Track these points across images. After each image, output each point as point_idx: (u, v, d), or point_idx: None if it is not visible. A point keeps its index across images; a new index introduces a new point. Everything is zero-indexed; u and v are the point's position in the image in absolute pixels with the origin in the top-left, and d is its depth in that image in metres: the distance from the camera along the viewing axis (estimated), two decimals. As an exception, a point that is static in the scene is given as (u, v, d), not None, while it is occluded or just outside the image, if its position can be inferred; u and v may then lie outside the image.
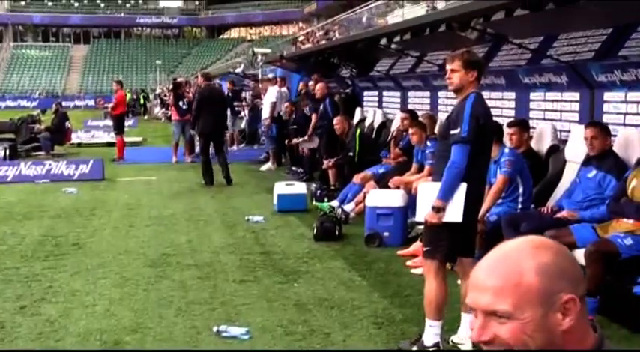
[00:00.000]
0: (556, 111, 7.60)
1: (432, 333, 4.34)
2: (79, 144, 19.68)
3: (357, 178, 8.89)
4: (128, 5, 77.69)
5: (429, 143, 7.70)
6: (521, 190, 6.13)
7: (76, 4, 75.55)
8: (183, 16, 77.53)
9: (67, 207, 9.93)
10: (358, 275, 6.14)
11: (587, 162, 5.75)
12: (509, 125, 6.93)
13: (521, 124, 7.04)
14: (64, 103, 22.72)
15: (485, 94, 9.18)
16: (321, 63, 14.68)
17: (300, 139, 12.47)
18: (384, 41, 11.07)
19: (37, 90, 62.00)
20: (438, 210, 4.24)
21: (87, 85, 65.92)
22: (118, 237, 7.91)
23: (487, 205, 5.74)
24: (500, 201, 6.12)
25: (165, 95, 34.57)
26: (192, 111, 12.66)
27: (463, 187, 4.23)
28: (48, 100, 43.52)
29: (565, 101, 7.45)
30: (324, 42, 21.52)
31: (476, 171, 4.28)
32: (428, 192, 4.44)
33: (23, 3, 74.94)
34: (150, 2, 78.73)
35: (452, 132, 4.29)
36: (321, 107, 11.80)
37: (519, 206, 6.12)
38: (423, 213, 4.42)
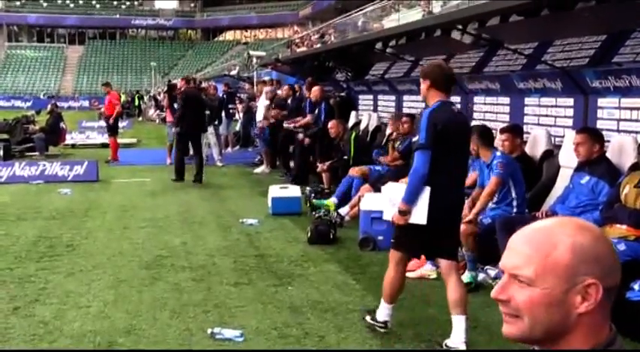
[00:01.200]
0: (550, 116, 7.65)
1: (384, 312, 4.78)
2: (73, 146, 19.63)
3: (352, 171, 9.01)
4: (124, 6, 77.51)
5: None
6: (514, 194, 6.16)
7: (72, 5, 75.34)
8: (178, 18, 77.42)
9: (62, 208, 9.91)
10: (352, 279, 6.15)
11: (580, 168, 5.78)
12: (502, 131, 6.96)
13: (514, 130, 7.06)
14: (58, 104, 22.61)
15: (480, 99, 9.31)
16: (316, 66, 14.71)
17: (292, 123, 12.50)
18: (379, 45, 11.11)
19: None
20: (404, 212, 4.44)
21: (81, 85, 65.75)
22: (112, 239, 7.90)
23: (479, 207, 5.88)
24: (493, 205, 6.15)
25: (159, 96, 34.52)
26: (177, 112, 13.10)
27: (427, 191, 4.39)
28: (42, 101, 43.46)
29: (559, 107, 7.50)
30: (319, 45, 21.54)
31: (443, 177, 4.41)
32: (394, 192, 4.64)
33: (18, 3, 74.64)
34: (145, 3, 78.63)
35: (413, 139, 4.49)
36: (316, 110, 11.82)
37: (514, 210, 6.16)
38: (389, 212, 4.63)
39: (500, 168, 6.01)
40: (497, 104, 8.87)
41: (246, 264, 6.70)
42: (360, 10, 22.99)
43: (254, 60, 20.34)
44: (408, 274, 6.13)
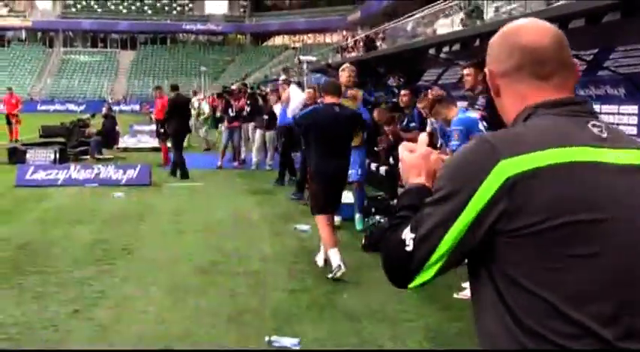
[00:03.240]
0: (612, 124, 7.44)
1: (334, 257, 6.31)
2: (125, 149, 19.93)
3: None
4: (174, 12, 78.79)
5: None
6: None
7: (124, 11, 76.97)
8: (228, 23, 78.29)
9: (116, 211, 10.06)
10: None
11: None
12: None
13: None
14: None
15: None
16: (367, 72, 14.63)
17: None
18: (432, 51, 11.00)
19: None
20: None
21: (133, 89, 67.00)
22: (166, 243, 7.97)
23: None
24: None
25: (214, 101, 34.72)
26: (164, 115, 14.85)
27: None
28: (95, 104, 44.41)
29: (622, 114, 7.29)
30: (361, 51, 21.50)
31: (317, 157, 6.61)
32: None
33: (74, 9, 76.63)
34: (195, 9, 79.75)
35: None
36: None
37: None
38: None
39: (456, 138, 5.65)
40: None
41: (300, 270, 6.68)
42: (410, 15, 22.87)
43: (304, 65, 20.39)
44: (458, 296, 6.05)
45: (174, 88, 15.32)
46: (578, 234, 1.32)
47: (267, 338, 4.70)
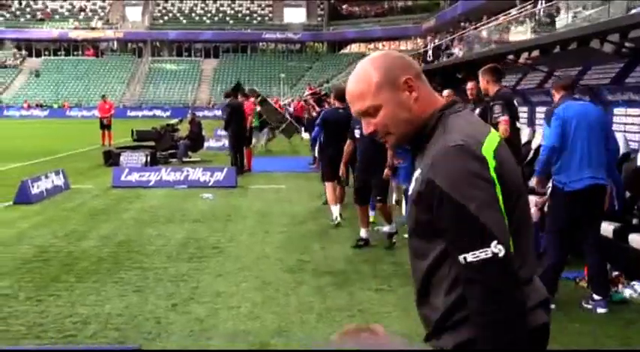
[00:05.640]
0: None
1: (334, 211, 9.34)
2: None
3: None
4: (255, 22, 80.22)
5: None
6: None
7: (208, 21, 78.95)
8: (306, 32, 79.04)
9: (205, 211, 10.46)
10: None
11: None
12: None
13: None
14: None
15: (622, 111, 8.98)
16: (445, 77, 14.63)
17: None
18: (511, 56, 10.94)
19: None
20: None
21: (216, 96, 68.56)
22: (254, 242, 8.27)
23: None
24: None
25: (290, 107, 35.24)
26: (225, 119, 16.10)
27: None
28: (180, 110, 45.79)
29: None
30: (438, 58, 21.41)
31: (329, 146, 9.30)
32: None
33: (161, 21, 79.28)
34: (275, 18, 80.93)
35: None
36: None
37: None
38: None
39: None
40: (642, 116, 8.50)
41: (385, 270, 6.82)
42: (486, 22, 22.71)
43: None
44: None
45: (244, 94, 16.66)
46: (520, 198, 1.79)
47: (356, 334, 4.85)
